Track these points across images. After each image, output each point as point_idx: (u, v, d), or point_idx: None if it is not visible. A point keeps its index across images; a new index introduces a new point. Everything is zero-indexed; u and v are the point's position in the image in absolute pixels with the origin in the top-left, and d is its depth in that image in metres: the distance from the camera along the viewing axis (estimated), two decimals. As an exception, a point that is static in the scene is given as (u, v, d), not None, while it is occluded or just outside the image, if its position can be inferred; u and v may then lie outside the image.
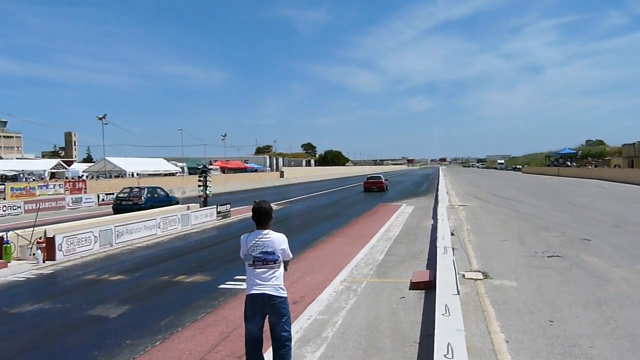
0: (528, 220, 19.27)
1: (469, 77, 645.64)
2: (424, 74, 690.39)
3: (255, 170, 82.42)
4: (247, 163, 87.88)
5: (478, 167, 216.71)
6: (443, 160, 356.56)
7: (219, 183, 50.42)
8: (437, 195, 29.66)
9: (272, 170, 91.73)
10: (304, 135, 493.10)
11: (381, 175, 47.72)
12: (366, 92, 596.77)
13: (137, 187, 27.44)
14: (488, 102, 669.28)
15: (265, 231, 4.97)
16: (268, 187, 59.62)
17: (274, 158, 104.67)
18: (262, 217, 5.00)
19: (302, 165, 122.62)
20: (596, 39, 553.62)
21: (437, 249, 9.85)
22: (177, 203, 26.49)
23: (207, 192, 26.89)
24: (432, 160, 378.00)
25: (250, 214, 5.13)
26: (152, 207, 23.19)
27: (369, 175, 50.06)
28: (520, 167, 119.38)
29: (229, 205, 23.78)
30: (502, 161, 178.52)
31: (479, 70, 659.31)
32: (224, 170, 72.76)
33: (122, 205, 24.90)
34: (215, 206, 22.61)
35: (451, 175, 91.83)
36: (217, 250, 15.09)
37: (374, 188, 42.99)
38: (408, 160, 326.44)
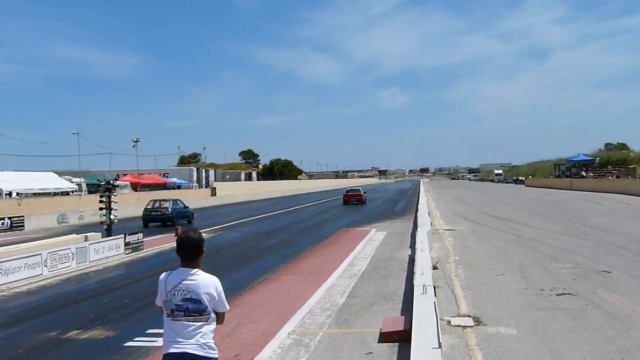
0: (532, 248, 19.73)
1: (455, 63, 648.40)
2: (399, 59, 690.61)
3: (179, 187, 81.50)
4: (167, 177, 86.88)
5: (470, 179, 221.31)
6: (425, 170, 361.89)
7: (129, 204, 49.68)
8: (416, 217, 29.97)
9: (200, 186, 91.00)
10: (243, 140, 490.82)
11: (360, 188, 65.58)
12: (324, 82, 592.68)
13: (161, 199, 38.80)
14: (481, 95, 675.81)
15: (194, 270, 4.79)
16: (195, 209, 58.88)
17: (203, 170, 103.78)
18: (189, 251, 4.83)
19: (240, 180, 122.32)
20: (614, 16, 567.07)
21: (415, 287, 9.92)
22: (192, 215, 39.16)
23: (112, 216, 26.44)
24: (410, 171, 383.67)
25: (170, 245, 5.03)
26: (177, 217, 34.83)
27: (348, 188, 70.22)
28: (523, 178, 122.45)
29: (141, 235, 23.36)
30: (500, 171, 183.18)
31: (468, 54, 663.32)
32: (135, 187, 71.67)
33: (151, 215, 36.09)
34: (123, 236, 22.21)
35: (435, 190, 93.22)
36: (124, 295, 14.84)
37: (353, 201, 57.55)
38: (380, 171, 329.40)
